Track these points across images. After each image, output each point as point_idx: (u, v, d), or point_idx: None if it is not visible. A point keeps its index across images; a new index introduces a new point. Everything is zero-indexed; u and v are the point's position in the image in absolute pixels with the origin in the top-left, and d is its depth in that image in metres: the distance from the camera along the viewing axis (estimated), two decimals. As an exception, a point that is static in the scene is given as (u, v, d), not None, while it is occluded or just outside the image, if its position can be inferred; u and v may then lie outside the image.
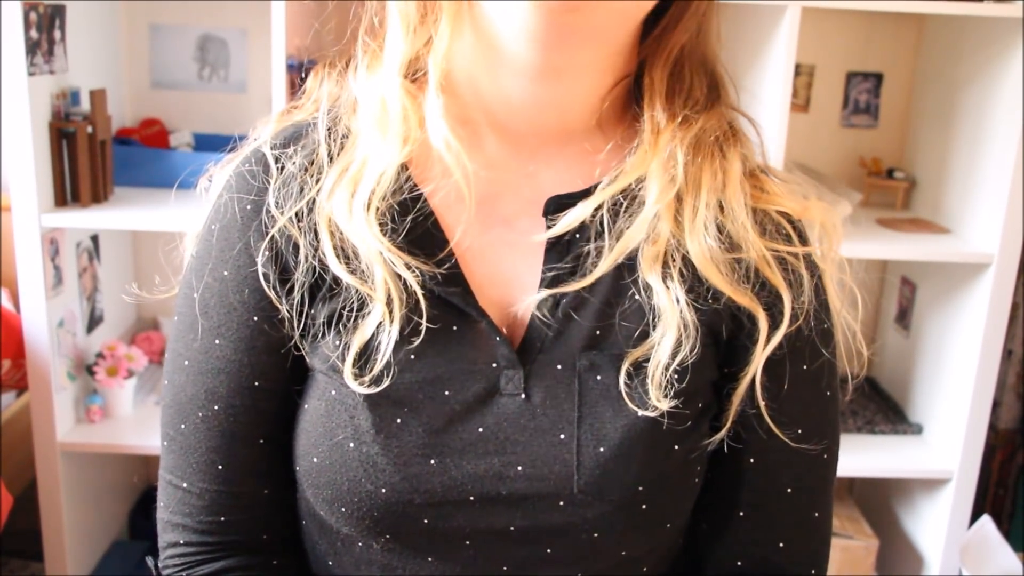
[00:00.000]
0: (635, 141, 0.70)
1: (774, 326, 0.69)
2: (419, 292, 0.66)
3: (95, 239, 1.71)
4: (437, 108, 0.67)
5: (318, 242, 0.68)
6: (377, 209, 0.67)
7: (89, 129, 1.52)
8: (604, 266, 0.68)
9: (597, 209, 0.68)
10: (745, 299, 0.68)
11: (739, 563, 0.74)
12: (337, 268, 0.66)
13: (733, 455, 0.72)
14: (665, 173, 0.68)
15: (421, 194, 0.69)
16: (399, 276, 0.66)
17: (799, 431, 0.71)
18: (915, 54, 1.88)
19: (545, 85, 0.67)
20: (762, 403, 0.69)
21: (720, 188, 0.70)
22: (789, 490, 0.73)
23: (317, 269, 0.68)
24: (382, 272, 0.66)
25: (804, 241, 0.73)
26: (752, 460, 0.72)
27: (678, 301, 0.67)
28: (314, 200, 0.68)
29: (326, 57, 0.75)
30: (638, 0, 0.63)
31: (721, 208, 0.69)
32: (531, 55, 0.64)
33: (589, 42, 0.64)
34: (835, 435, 0.75)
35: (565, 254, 0.69)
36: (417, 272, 0.66)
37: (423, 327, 0.67)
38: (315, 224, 0.68)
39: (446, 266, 0.68)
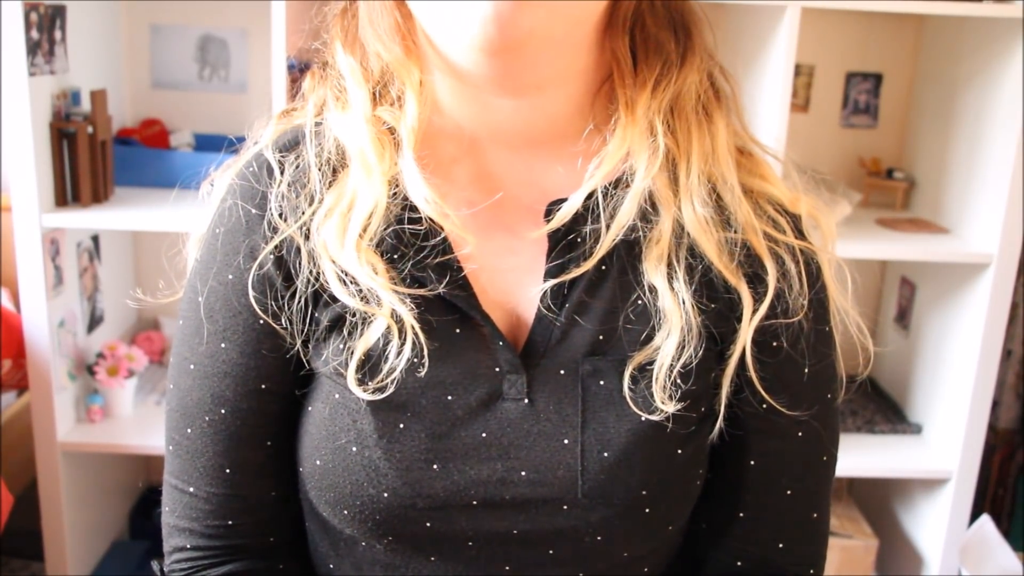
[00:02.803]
0: (613, 118, 0.69)
1: (761, 300, 0.69)
2: (417, 325, 0.65)
3: (95, 239, 1.71)
4: (414, 168, 0.66)
5: (318, 267, 0.67)
6: (376, 232, 0.66)
7: (90, 129, 1.52)
8: (603, 249, 0.67)
9: (592, 198, 0.68)
10: (731, 274, 0.68)
11: (738, 563, 0.75)
12: (339, 292, 0.66)
13: (734, 457, 0.72)
14: (648, 146, 0.67)
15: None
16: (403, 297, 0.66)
17: (799, 433, 0.72)
18: (915, 54, 1.88)
19: (527, 99, 0.67)
20: (755, 377, 0.69)
21: (710, 153, 0.69)
22: (789, 492, 0.73)
23: (320, 275, 0.68)
24: (385, 298, 0.65)
25: (801, 235, 0.73)
26: (753, 462, 0.73)
27: (683, 303, 0.67)
28: (311, 219, 0.68)
29: (319, 59, 0.75)
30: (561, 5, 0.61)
31: (713, 176, 0.69)
32: (501, 78, 0.64)
33: (548, 62, 0.64)
34: (834, 436, 0.75)
35: (567, 250, 0.69)
36: (419, 300, 0.66)
37: (425, 337, 0.66)
38: (312, 248, 0.68)
39: (450, 274, 0.67)
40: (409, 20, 0.68)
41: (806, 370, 0.71)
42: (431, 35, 0.64)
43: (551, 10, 0.59)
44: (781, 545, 0.74)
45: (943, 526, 1.70)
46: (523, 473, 0.67)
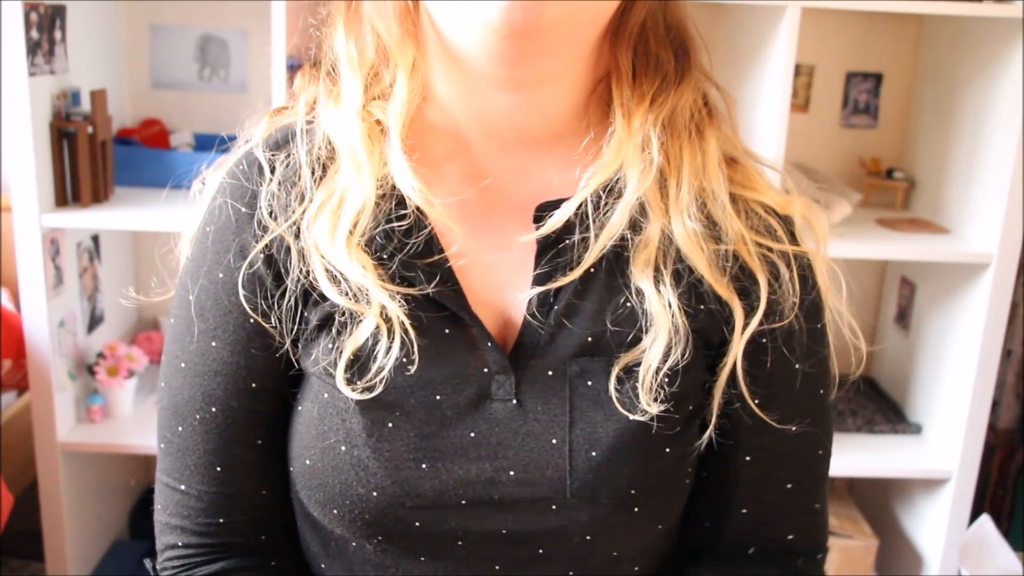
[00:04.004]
0: (609, 130, 0.69)
1: (752, 314, 0.69)
2: (407, 322, 0.66)
3: (95, 239, 1.72)
4: (400, 156, 0.66)
5: (308, 265, 0.68)
6: (365, 229, 0.67)
7: (89, 129, 1.52)
8: (591, 258, 0.67)
9: (582, 206, 0.68)
10: (723, 288, 0.69)
11: (750, 551, 0.75)
12: (329, 291, 0.66)
13: (728, 454, 0.72)
14: (641, 159, 0.68)
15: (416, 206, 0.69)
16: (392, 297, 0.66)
17: (791, 428, 0.72)
18: (915, 54, 1.88)
19: (524, 94, 0.68)
20: (746, 392, 0.69)
21: (701, 170, 0.70)
22: (789, 485, 0.73)
23: (310, 274, 0.68)
24: (375, 295, 0.65)
25: (793, 237, 0.73)
26: (748, 458, 0.73)
27: (670, 305, 0.67)
28: (302, 218, 0.68)
29: (312, 56, 0.75)
30: (585, 7, 0.62)
31: (703, 190, 0.70)
32: (504, 72, 0.65)
33: (556, 54, 0.65)
34: (828, 431, 0.75)
35: (555, 256, 0.69)
36: (408, 299, 0.66)
37: (415, 334, 0.66)
38: (303, 246, 0.68)
39: (439, 273, 0.68)
40: (414, 3, 0.68)
41: (797, 366, 0.71)
42: (438, 19, 0.64)
43: (575, 5, 0.60)
44: (791, 536, 0.74)
45: (943, 526, 1.70)
46: (511, 473, 0.67)
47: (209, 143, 1.76)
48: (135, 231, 1.87)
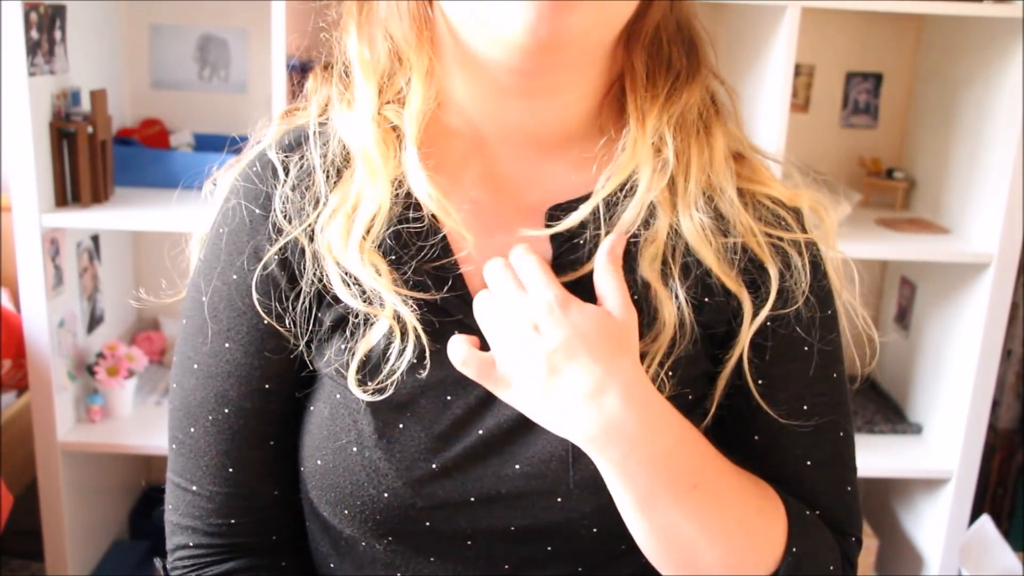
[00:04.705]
0: (624, 131, 0.70)
1: (762, 305, 0.69)
2: (420, 327, 0.66)
3: (95, 239, 1.71)
4: (417, 164, 0.66)
5: (321, 268, 0.68)
6: (379, 234, 0.67)
7: (89, 129, 1.52)
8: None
9: (595, 205, 0.68)
10: (732, 281, 0.69)
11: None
12: (342, 293, 0.66)
13: (741, 436, 0.72)
14: (656, 158, 0.68)
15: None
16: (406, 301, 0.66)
17: (804, 408, 0.71)
18: (915, 54, 1.88)
19: (542, 100, 0.68)
20: (751, 382, 0.69)
21: (708, 165, 0.70)
22: (808, 463, 0.72)
23: (324, 276, 0.68)
24: (387, 300, 0.65)
25: (803, 227, 0.73)
26: (758, 438, 0.72)
27: (676, 298, 0.68)
28: (316, 221, 0.68)
29: (323, 58, 0.75)
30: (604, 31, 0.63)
31: (710, 185, 0.70)
32: (523, 81, 0.65)
33: (575, 63, 0.65)
34: (845, 412, 0.74)
35: (569, 253, 0.69)
36: (421, 303, 0.66)
37: (427, 336, 0.66)
38: (317, 249, 0.68)
39: (450, 279, 0.68)
40: (431, 8, 0.68)
41: (807, 349, 0.71)
42: (458, 27, 0.64)
43: (599, 12, 0.60)
44: (817, 512, 0.72)
45: (943, 526, 1.70)
46: (517, 467, 0.67)
47: (209, 143, 1.76)
48: (135, 231, 1.87)
